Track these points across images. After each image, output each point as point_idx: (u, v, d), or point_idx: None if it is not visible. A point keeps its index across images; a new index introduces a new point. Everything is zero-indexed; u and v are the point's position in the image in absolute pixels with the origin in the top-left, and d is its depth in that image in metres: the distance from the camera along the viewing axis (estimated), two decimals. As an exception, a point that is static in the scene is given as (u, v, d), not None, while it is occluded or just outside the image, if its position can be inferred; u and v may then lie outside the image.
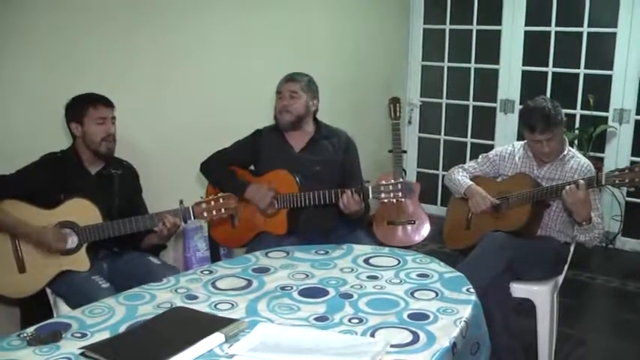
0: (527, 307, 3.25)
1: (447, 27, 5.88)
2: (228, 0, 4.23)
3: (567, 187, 3.02)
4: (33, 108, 3.32)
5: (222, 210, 2.95)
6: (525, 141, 3.43)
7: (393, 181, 3.01)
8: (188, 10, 3.97)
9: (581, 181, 3.00)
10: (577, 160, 3.32)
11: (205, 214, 2.95)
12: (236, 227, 3.40)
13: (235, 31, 4.30)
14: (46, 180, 2.96)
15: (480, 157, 3.62)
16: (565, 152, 3.34)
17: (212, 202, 2.94)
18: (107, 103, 3.07)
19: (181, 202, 2.96)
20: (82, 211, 2.92)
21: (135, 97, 3.68)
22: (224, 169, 3.43)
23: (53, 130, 3.33)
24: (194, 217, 2.97)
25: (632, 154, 5.17)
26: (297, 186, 3.27)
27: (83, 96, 3.07)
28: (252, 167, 3.49)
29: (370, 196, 3.06)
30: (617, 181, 3.01)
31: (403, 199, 3.08)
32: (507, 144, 3.60)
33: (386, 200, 3.05)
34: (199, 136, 4.02)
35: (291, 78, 3.44)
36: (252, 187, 3.29)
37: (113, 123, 3.08)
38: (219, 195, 2.97)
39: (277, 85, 3.45)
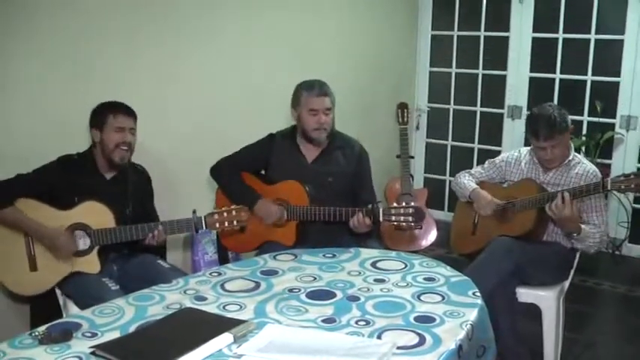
0: (533, 311, 3.26)
1: (455, 33, 5.90)
2: (236, 2, 4.25)
3: (552, 204, 3.04)
4: (34, 110, 3.32)
5: (235, 222, 2.98)
6: (532, 147, 3.45)
7: (404, 204, 3.00)
8: (195, 11, 3.98)
9: (567, 194, 3.02)
10: (583, 167, 3.33)
11: (217, 225, 2.98)
12: (245, 232, 3.41)
13: (244, 34, 4.31)
14: (61, 181, 3.00)
15: (487, 162, 3.64)
16: (570, 157, 3.35)
17: (225, 214, 2.97)
18: (128, 113, 3.09)
19: (194, 211, 2.99)
20: (96, 214, 2.95)
21: (139, 99, 3.63)
22: (235, 177, 3.40)
23: (56, 131, 3.35)
24: (206, 227, 2.99)
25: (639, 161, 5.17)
26: (307, 199, 3.25)
27: (107, 103, 3.11)
28: (262, 172, 3.48)
29: (381, 218, 3.05)
30: (622, 187, 3.02)
31: (413, 225, 3.07)
32: (514, 150, 3.62)
33: (396, 224, 3.08)
34: (205, 139, 4.04)
35: (323, 92, 3.30)
36: (261, 203, 3.27)
37: (132, 134, 3.09)
38: (232, 207, 2.99)
39: (304, 97, 3.31)
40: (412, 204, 3.02)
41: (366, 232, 3.19)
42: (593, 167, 3.34)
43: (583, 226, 3.15)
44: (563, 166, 3.35)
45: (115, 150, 3.04)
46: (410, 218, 2.97)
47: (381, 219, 3.05)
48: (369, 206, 3.08)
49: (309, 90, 3.32)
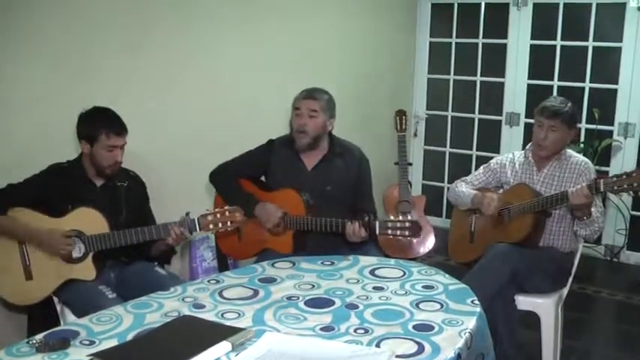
0: (532, 318, 3.26)
1: (453, 40, 5.91)
2: (237, 8, 4.24)
3: (574, 189, 3.04)
4: (33, 114, 3.31)
5: (229, 223, 2.94)
6: (525, 149, 3.51)
7: (401, 218, 2.98)
8: (195, 16, 3.98)
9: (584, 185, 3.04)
10: (575, 159, 3.39)
11: (211, 227, 2.94)
12: (242, 240, 3.41)
13: (244, 41, 4.31)
14: (53, 189, 2.98)
15: (481, 168, 3.65)
16: (561, 152, 3.40)
17: (218, 215, 2.93)
18: (120, 132, 3.02)
19: (188, 213, 2.96)
20: (90, 220, 2.94)
21: (141, 104, 3.69)
22: (233, 182, 3.38)
23: (55, 135, 3.34)
24: (200, 229, 2.96)
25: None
26: (304, 208, 3.23)
27: (98, 116, 3.03)
28: (262, 178, 3.47)
29: (377, 231, 3.01)
30: (615, 187, 2.99)
31: (409, 238, 3.06)
32: (508, 153, 3.65)
33: (392, 237, 3.06)
34: (206, 145, 4.03)
35: (310, 95, 3.32)
36: (261, 206, 3.24)
37: (122, 149, 3.05)
38: (226, 208, 2.95)
39: (294, 98, 3.36)
40: (409, 217, 3.00)
41: (362, 242, 3.16)
42: (585, 159, 3.41)
43: (593, 209, 3.16)
44: (554, 160, 3.39)
45: (107, 168, 3.02)
46: (406, 232, 2.94)
47: (377, 232, 3.02)
48: (366, 218, 3.05)
49: (300, 93, 3.36)
